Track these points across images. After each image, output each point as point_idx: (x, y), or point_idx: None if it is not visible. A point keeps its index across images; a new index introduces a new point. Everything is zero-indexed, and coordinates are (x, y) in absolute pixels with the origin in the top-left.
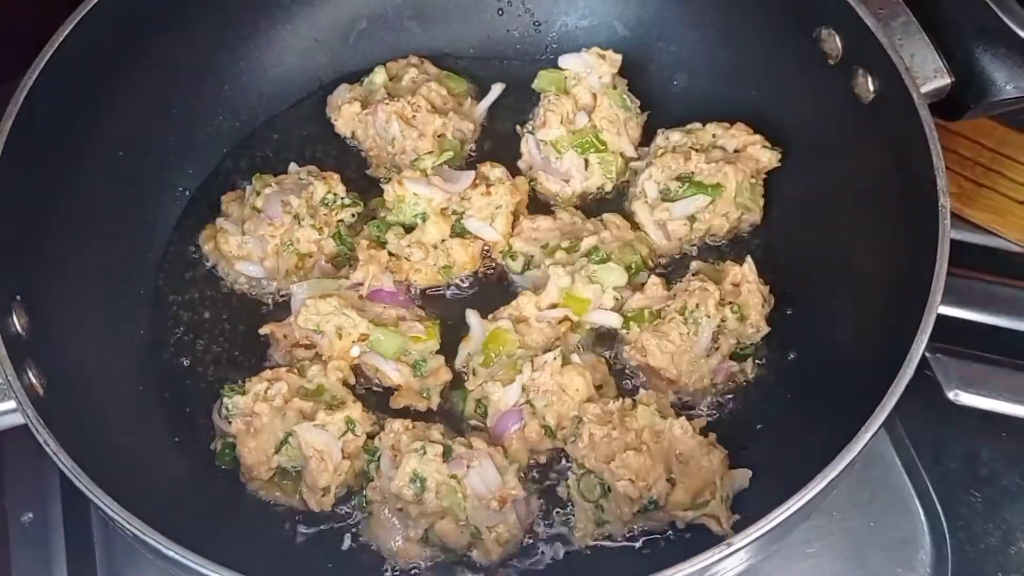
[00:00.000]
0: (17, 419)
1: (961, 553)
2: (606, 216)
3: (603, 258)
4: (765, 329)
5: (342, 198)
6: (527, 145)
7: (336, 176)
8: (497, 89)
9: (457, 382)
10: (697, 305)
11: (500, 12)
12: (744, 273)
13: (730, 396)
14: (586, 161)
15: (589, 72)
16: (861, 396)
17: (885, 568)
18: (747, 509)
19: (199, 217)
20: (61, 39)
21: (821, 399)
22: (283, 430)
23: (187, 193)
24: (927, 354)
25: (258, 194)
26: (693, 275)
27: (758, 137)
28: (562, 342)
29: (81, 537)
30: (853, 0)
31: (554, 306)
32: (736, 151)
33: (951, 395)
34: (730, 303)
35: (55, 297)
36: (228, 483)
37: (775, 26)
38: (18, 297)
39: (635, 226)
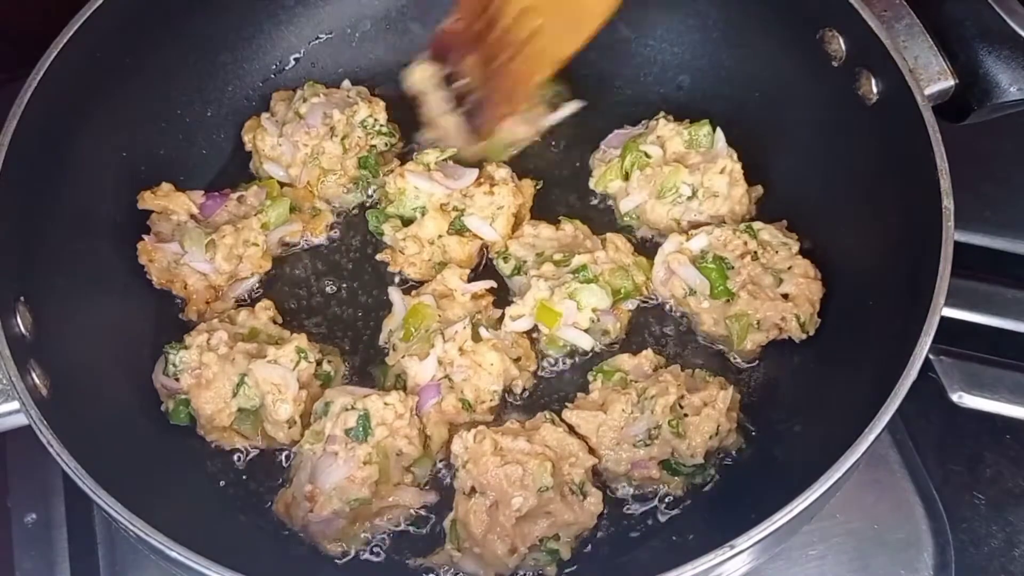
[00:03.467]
0: (21, 420)
1: (964, 555)
2: (610, 236)
3: (588, 278)
4: (699, 460)
5: (381, 125)
6: None
7: (382, 104)
8: (572, 107)
9: (379, 358)
10: (653, 396)
11: None
12: (717, 399)
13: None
14: None
15: None
16: (865, 398)
17: (888, 570)
18: (751, 511)
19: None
20: (65, 40)
21: (825, 401)
22: (236, 374)
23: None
24: (931, 356)
25: (304, 100)
26: (667, 369)
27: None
28: (482, 315)
29: (84, 538)
30: (857, 2)
31: (520, 317)
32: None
33: (955, 397)
34: (672, 419)
35: (59, 298)
36: (232, 484)
37: (778, 28)
38: (22, 298)
39: (638, 250)
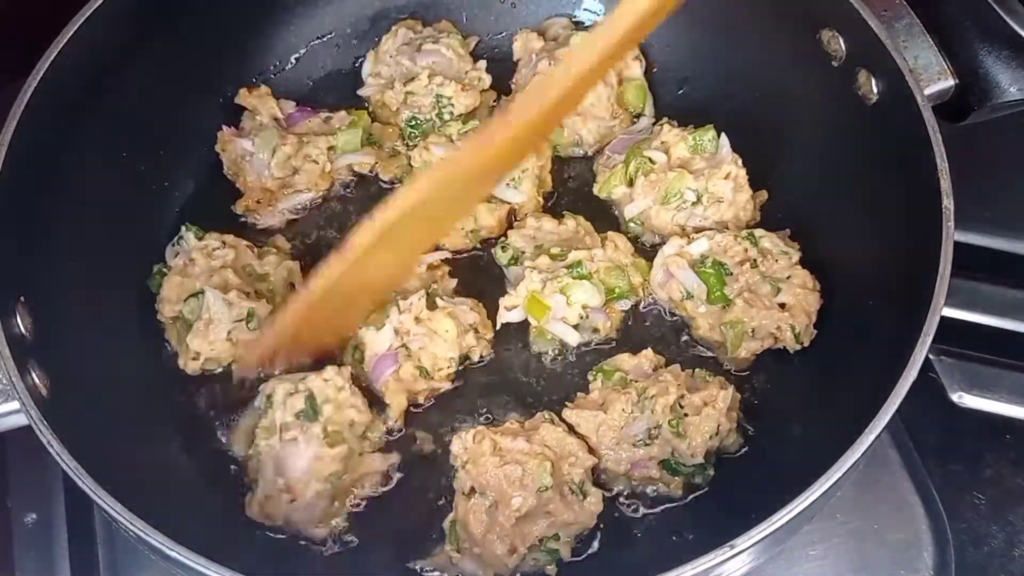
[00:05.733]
0: (21, 420)
1: (964, 555)
2: (611, 234)
3: (582, 275)
4: (699, 460)
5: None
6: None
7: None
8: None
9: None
10: (653, 396)
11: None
12: (718, 399)
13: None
14: None
15: None
16: (864, 398)
17: (888, 570)
18: (751, 511)
19: (204, 218)
20: (65, 40)
21: (825, 401)
22: (200, 285)
23: (191, 193)
24: (931, 356)
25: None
26: (667, 369)
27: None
28: (439, 285)
29: (84, 538)
30: (857, 2)
31: (514, 308)
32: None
33: (955, 397)
34: (672, 418)
35: (59, 298)
36: (232, 484)
37: (779, 28)
38: (22, 298)
39: (639, 251)
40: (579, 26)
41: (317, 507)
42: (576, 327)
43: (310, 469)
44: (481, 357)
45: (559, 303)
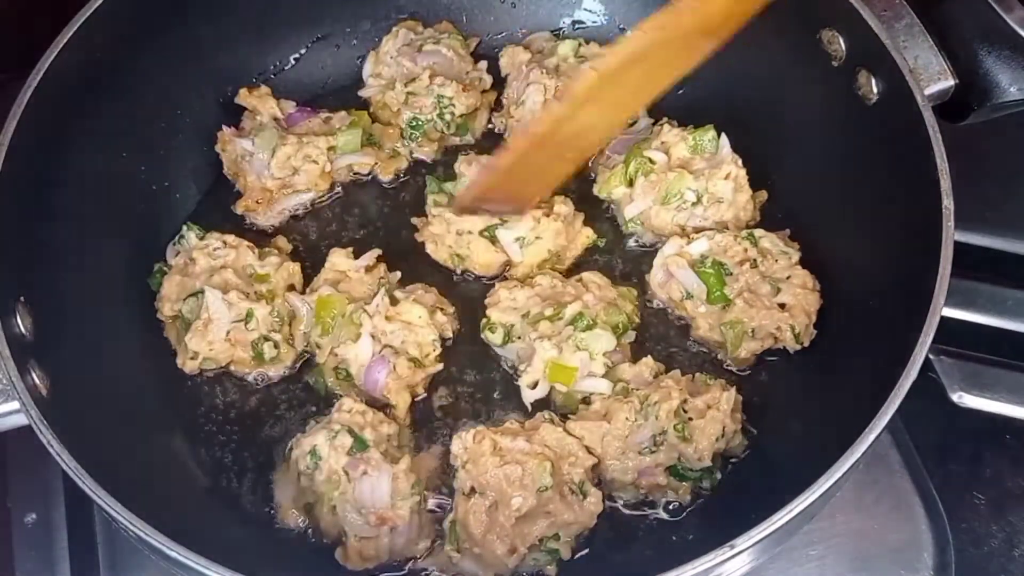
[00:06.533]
0: (21, 420)
1: (964, 555)
2: (585, 276)
3: (589, 324)
4: (707, 463)
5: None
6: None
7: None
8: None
9: (307, 365)
10: (656, 403)
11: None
12: (721, 401)
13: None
14: None
15: None
16: (864, 398)
17: (888, 570)
18: (751, 511)
19: (204, 218)
20: (65, 40)
21: (824, 400)
22: (200, 285)
23: (191, 194)
24: (931, 356)
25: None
26: (667, 375)
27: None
28: (386, 281)
29: (84, 538)
30: (857, 2)
31: (536, 384)
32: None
33: (955, 397)
34: (677, 423)
35: (59, 298)
36: (231, 484)
37: (779, 28)
38: (22, 298)
39: (616, 282)
40: (576, 26)
41: (414, 524)
42: (605, 376)
43: (394, 490)
44: (454, 332)
45: (583, 360)
